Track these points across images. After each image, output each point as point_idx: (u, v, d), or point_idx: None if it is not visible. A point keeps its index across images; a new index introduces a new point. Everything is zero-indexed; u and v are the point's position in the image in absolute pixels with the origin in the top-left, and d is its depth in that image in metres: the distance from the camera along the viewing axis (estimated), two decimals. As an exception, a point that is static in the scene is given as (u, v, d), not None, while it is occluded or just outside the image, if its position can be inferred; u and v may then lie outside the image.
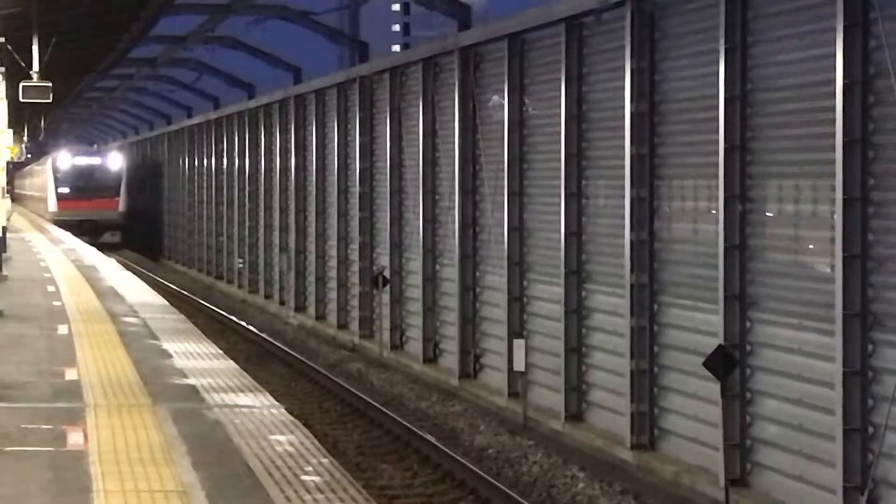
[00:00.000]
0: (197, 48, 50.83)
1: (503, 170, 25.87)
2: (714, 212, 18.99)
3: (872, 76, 16.07)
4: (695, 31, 19.85)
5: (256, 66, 48.30)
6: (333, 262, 38.52)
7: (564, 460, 20.74)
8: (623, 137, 21.12)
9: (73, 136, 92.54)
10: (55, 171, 73.81)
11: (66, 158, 74.77)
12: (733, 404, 18.25)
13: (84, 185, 73.02)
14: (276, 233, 45.67)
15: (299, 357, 31.88)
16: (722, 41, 18.55)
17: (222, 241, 55.69)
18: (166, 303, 29.14)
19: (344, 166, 37.61)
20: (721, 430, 18.21)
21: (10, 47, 31.26)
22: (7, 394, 15.90)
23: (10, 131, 40.26)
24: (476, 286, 27.93)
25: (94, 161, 75.30)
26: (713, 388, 18.25)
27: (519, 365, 24.03)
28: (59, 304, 27.02)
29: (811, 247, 17.57)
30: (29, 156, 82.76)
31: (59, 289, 30.50)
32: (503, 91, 25.94)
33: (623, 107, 21.13)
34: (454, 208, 28.42)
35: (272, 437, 13.27)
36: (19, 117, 54.37)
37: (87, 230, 68.57)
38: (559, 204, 23.33)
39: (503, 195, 25.87)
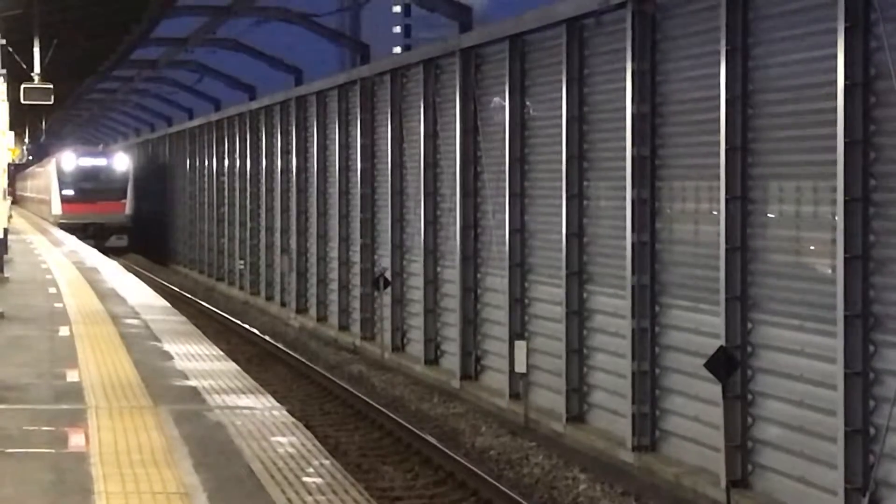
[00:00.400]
0: (198, 50, 50.84)
1: (504, 171, 25.87)
2: (715, 213, 18.99)
3: (873, 77, 16.07)
4: (696, 32, 19.85)
5: (257, 68, 48.29)
6: (335, 264, 38.52)
7: (566, 462, 20.74)
8: (624, 139, 21.12)
9: (74, 137, 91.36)
10: (59, 172, 71.13)
11: (70, 159, 72.06)
12: (734, 406, 18.24)
13: (90, 187, 70.29)
14: (278, 234, 45.68)
15: (300, 359, 31.88)
16: (723, 42, 18.54)
17: (223, 242, 55.70)
18: (168, 304, 29.14)
19: (345, 168, 37.62)
20: (722, 432, 18.20)
21: (11, 49, 31.27)
22: (8, 395, 15.90)
23: (12, 133, 40.27)
24: (477, 288, 27.93)
25: (100, 162, 72.50)
26: (714, 389, 18.25)
27: (520, 366, 24.03)
28: (60, 305, 27.02)
29: (812, 248, 17.57)
30: (30, 158, 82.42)
31: (61, 290, 30.50)
32: (504, 92, 25.94)
33: (624, 108, 21.14)
34: (455, 210, 28.42)
35: (273, 438, 13.27)
36: (20, 119, 54.39)
37: (93, 234, 66.48)
38: (560, 205, 23.33)
39: (504, 197, 25.88)
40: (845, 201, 16.13)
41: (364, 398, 25.91)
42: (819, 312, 16.92)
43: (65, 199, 70.71)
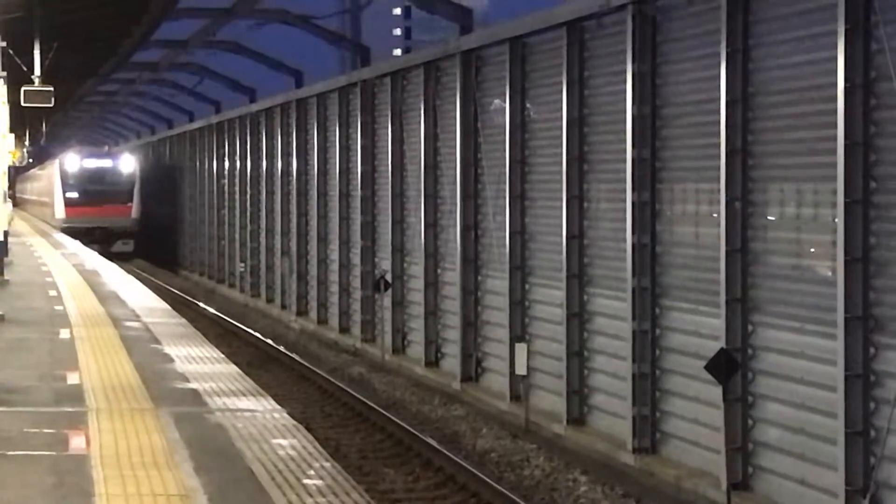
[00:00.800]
0: (198, 52, 50.86)
1: (505, 173, 25.88)
2: (715, 215, 19.00)
3: (874, 79, 16.08)
4: (696, 34, 19.85)
5: (258, 70, 48.33)
6: (335, 266, 38.53)
7: (566, 464, 20.73)
8: (624, 141, 21.13)
9: (75, 140, 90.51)
10: (63, 174, 68.72)
11: (74, 160, 69.48)
12: (735, 408, 18.24)
13: (94, 190, 67.84)
14: (278, 237, 45.69)
15: (301, 361, 31.87)
16: (723, 45, 18.55)
17: (224, 244, 55.69)
18: (168, 307, 29.14)
19: (345, 170, 37.63)
20: (723, 434, 18.20)
21: (11, 52, 31.28)
22: (9, 398, 15.90)
23: (12, 136, 40.27)
24: (477, 290, 27.93)
25: (106, 163, 69.91)
26: (715, 391, 18.24)
27: (521, 368, 24.03)
28: (60, 308, 27.02)
29: (813, 250, 17.57)
30: (31, 160, 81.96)
31: (61, 293, 30.50)
32: (504, 95, 25.95)
33: (624, 110, 21.15)
34: (455, 212, 28.43)
35: (274, 440, 13.27)
36: (21, 122, 54.38)
37: (98, 238, 64.38)
38: (561, 207, 23.33)
39: (505, 199, 25.88)
40: (846, 203, 16.14)
41: (365, 400, 25.90)
42: (819, 314, 16.92)
43: (69, 203, 68.46)
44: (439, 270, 30.24)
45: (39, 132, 70.35)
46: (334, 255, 38.70)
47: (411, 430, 22.82)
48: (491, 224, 27.02)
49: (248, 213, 50.57)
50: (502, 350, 25.88)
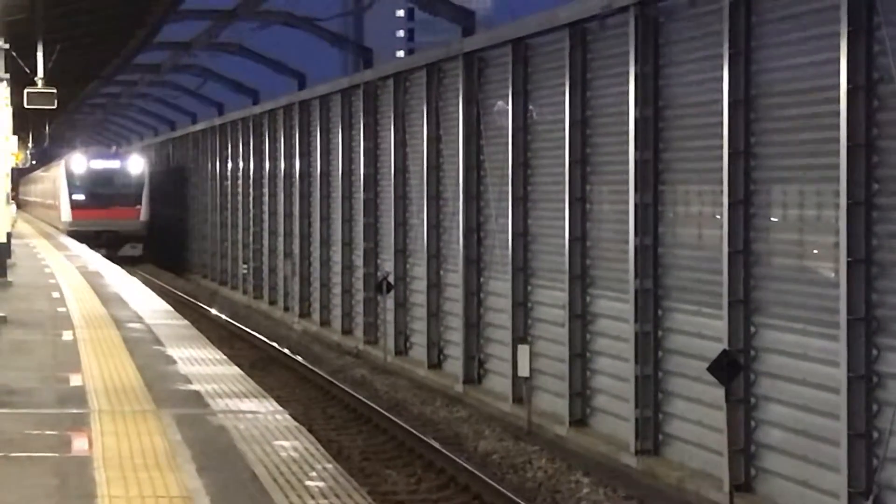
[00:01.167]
0: (201, 54, 50.88)
1: (507, 175, 25.88)
2: (718, 217, 18.99)
3: (876, 81, 16.08)
4: (699, 36, 19.85)
5: (261, 73, 48.35)
6: (338, 268, 38.54)
7: (569, 466, 20.72)
8: (627, 143, 21.13)
9: (78, 141, 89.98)
10: (69, 175, 66.21)
11: (81, 161, 66.88)
12: (738, 409, 18.23)
13: (102, 192, 65.32)
14: (281, 238, 45.70)
15: (303, 363, 31.88)
16: (726, 46, 18.55)
17: (226, 246, 55.70)
18: (171, 308, 29.14)
19: (348, 172, 37.64)
20: (725, 436, 18.18)
21: (14, 54, 31.30)
22: (12, 400, 15.91)
23: (15, 138, 40.29)
24: (480, 291, 27.94)
25: (113, 164, 67.32)
26: (717, 393, 18.24)
27: (523, 370, 24.02)
28: (63, 310, 27.02)
29: (815, 252, 17.57)
30: (34, 162, 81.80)
31: (64, 295, 30.51)
32: (507, 96, 25.96)
33: (627, 112, 21.14)
34: (458, 214, 28.44)
35: (276, 442, 13.27)
36: (24, 124, 54.39)
37: (106, 242, 62.06)
38: (563, 209, 23.34)
39: (507, 200, 25.88)
40: (848, 205, 16.14)
41: (367, 402, 25.90)
42: (822, 316, 16.91)
43: (75, 205, 65.87)
44: (442, 272, 30.24)
45: (42, 134, 70.20)
46: (337, 257, 38.71)
47: (413, 431, 22.81)
48: (493, 225, 27.02)
49: (251, 215, 50.58)
50: (505, 352, 25.87)
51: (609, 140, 22.38)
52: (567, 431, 22.84)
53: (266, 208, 48.18)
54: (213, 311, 44.49)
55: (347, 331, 37.44)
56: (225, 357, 20.53)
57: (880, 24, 15.92)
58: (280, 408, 15.64)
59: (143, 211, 65.88)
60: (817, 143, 17.16)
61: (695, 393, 19.63)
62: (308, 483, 11.44)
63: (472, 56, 28.01)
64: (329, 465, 12.24)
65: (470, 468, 19.97)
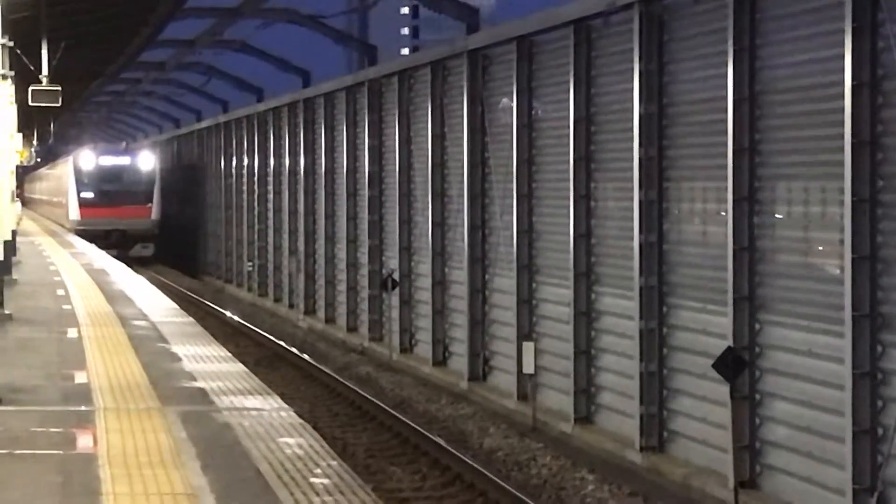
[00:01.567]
0: (206, 52, 50.89)
1: (512, 172, 25.88)
2: (723, 214, 18.99)
3: (881, 77, 16.07)
4: (703, 33, 19.84)
5: (265, 70, 48.36)
6: (343, 266, 38.55)
7: (574, 463, 20.73)
8: (631, 140, 21.13)
9: (83, 139, 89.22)
10: (77, 172, 63.93)
11: (89, 157, 64.60)
12: (742, 406, 18.23)
13: (112, 190, 63.11)
14: (286, 236, 45.71)
15: (308, 360, 31.89)
16: (730, 43, 18.54)
17: (231, 244, 55.70)
18: (176, 306, 29.15)
19: (353, 169, 37.64)
20: (730, 432, 18.19)
21: (19, 51, 31.30)
22: (17, 397, 15.92)
23: (20, 135, 40.31)
24: (485, 289, 27.94)
25: (123, 160, 65.09)
26: (722, 390, 18.24)
27: (528, 367, 24.03)
28: (68, 307, 27.04)
29: (820, 248, 17.56)
30: (38, 160, 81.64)
31: (69, 292, 30.53)
32: (512, 94, 25.95)
33: (631, 109, 21.14)
34: (463, 211, 28.44)
35: (281, 439, 13.27)
36: (29, 121, 54.40)
37: (115, 242, 60.02)
38: (568, 206, 23.33)
39: (512, 198, 25.88)
40: (853, 202, 16.13)
41: (372, 399, 25.91)
42: (827, 313, 16.91)
43: (83, 203, 63.57)
44: (447, 269, 30.24)
45: (47, 132, 70.11)
46: (342, 255, 38.72)
47: (419, 429, 22.83)
48: (498, 223, 27.02)
49: (256, 213, 50.60)
50: (510, 349, 25.87)
51: (613, 137, 22.38)
52: (572, 428, 22.85)
53: (271, 206, 48.19)
54: (227, 313, 44.47)
55: (352, 328, 37.46)
56: (230, 354, 20.54)
57: (885, 20, 15.90)
58: (285, 405, 15.64)
59: (155, 209, 63.82)
60: (822, 140, 17.15)
61: (700, 390, 19.63)
62: (313, 480, 11.44)
63: (477, 53, 28.01)
64: (334, 463, 12.24)
65: (475, 465, 19.98)
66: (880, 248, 16.08)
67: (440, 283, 30.40)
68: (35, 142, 67.25)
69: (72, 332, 22.69)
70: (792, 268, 17.88)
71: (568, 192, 23.35)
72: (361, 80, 36.44)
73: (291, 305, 44.56)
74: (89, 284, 33.17)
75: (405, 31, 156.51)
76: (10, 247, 34.15)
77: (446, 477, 20.13)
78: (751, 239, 18.44)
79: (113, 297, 29.83)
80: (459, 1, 30.76)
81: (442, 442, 21.85)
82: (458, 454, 20.71)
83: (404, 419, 23.73)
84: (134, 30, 37.88)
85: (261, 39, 46.81)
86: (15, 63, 31.39)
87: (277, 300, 46.82)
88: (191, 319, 26.04)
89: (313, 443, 13.19)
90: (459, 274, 29.02)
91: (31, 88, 31.63)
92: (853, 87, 16.15)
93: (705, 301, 19.64)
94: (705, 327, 19.61)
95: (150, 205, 63.59)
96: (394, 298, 32.93)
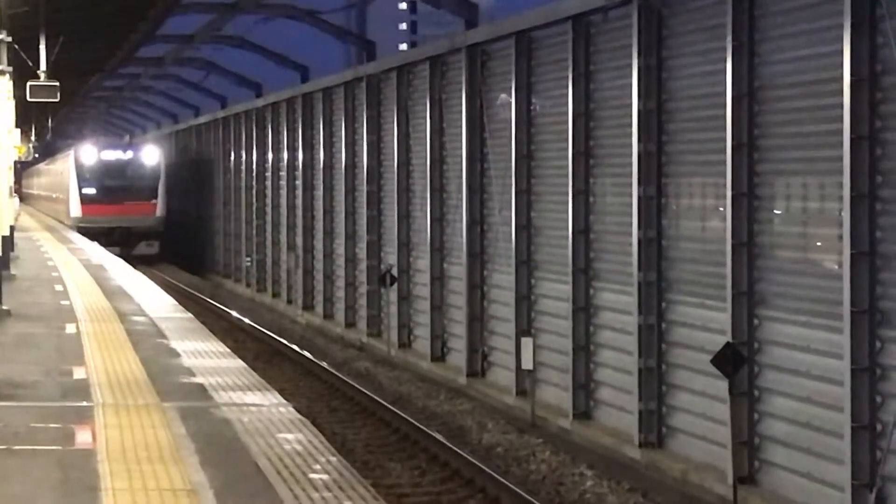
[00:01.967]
0: (204, 47, 50.89)
1: (511, 168, 25.87)
2: (722, 209, 18.99)
3: (880, 73, 16.06)
4: (702, 28, 19.84)
5: (264, 66, 48.35)
6: (341, 261, 38.55)
7: (573, 458, 20.73)
8: (630, 135, 21.12)
9: (82, 134, 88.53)
10: (79, 166, 61.75)
11: (91, 152, 62.45)
12: (741, 402, 18.23)
13: (115, 185, 61.10)
14: (284, 231, 45.70)
15: (307, 355, 31.88)
16: (729, 38, 18.54)
17: (229, 239, 55.67)
18: (174, 302, 29.13)
19: (351, 165, 37.63)
20: (729, 428, 18.19)
21: (17, 47, 31.30)
22: (16, 393, 15.91)
23: (18, 131, 40.31)
24: (484, 284, 27.94)
25: (127, 155, 62.83)
26: (721, 385, 18.24)
27: (527, 363, 24.03)
28: (66, 303, 27.02)
29: (819, 244, 17.56)
30: (36, 156, 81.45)
31: (67, 288, 30.51)
32: (510, 89, 25.94)
33: (630, 104, 21.13)
34: (462, 206, 28.43)
35: (280, 435, 13.27)
36: (27, 117, 54.36)
37: (119, 239, 58.48)
38: (567, 202, 23.33)
39: (511, 193, 25.87)
40: (852, 197, 16.13)
41: (371, 395, 25.91)
42: (826, 308, 16.91)
43: (85, 199, 61.38)
44: (445, 265, 30.24)
45: (45, 127, 70.01)
46: (340, 250, 38.71)
47: (417, 424, 22.83)
48: (497, 218, 27.01)
49: (254, 208, 50.58)
50: (508, 344, 25.87)
51: (612, 133, 22.37)
52: (571, 424, 22.84)
53: (269, 201, 48.17)
54: (224, 308, 44.44)
55: (351, 323, 37.45)
56: (229, 350, 20.53)
57: (884, 15, 15.89)
58: (284, 401, 15.63)
59: (160, 206, 61.73)
60: (821, 136, 17.14)
61: (698, 385, 19.63)
62: (312, 476, 11.43)
63: (476, 49, 27.99)
64: (333, 458, 12.23)
65: (474, 461, 19.98)
66: (879, 244, 16.08)
67: (439, 279, 30.40)
68: (33, 137, 67.02)
69: (70, 328, 22.67)
70: (791, 263, 17.87)
71: (567, 187, 23.34)
72: (360, 76, 36.42)
73: (290, 301, 44.55)
74: (87, 280, 33.16)
75: (403, 26, 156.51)
76: (9, 242, 34.18)
77: (445, 472, 20.13)
78: (750, 234, 18.44)
79: (111, 292, 29.81)
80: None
81: (441, 438, 21.85)
82: (457, 450, 20.71)
83: (403, 415, 23.73)
84: (132, 25, 37.86)
85: (259, 35, 46.85)
86: (13, 58, 31.39)
87: (276, 295, 46.81)
88: (189, 315, 26.02)
89: (312, 438, 13.18)
90: (458, 269, 29.02)
91: (29, 84, 31.64)
92: (852, 82, 16.14)
93: (704, 297, 19.64)
94: (704, 323, 19.60)
95: (154, 201, 61.50)
96: (392, 294, 32.92)
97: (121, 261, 42.50)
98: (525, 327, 25.24)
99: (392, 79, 33.60)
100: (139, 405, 14.97)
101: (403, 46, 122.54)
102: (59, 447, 12.66)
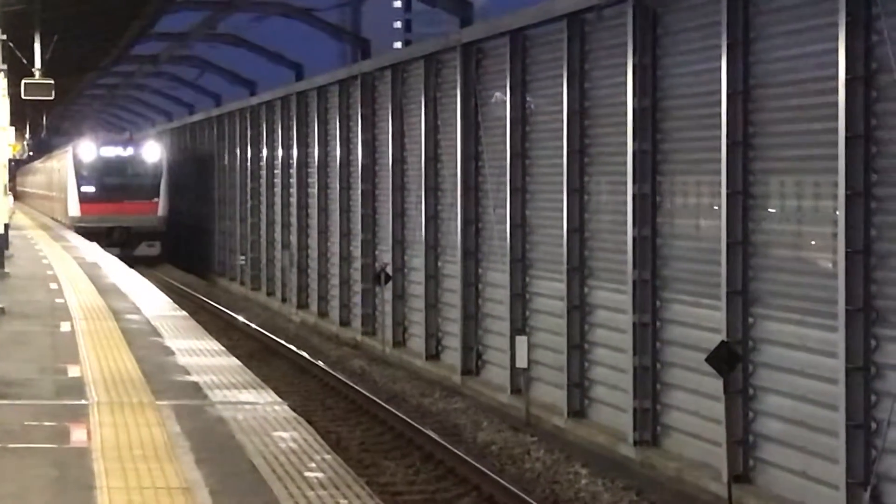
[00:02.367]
0: (199, 45, 50.86)
1: (505, 166, 25.87)
2: (716, 208, 18.99)
3: (874, 71, 16.07)
4: (697, 26, 19.84)
5: (258, 63, 48.32)
6: (336, 259, 38.53)
7: (567, 457, 20.73)
8: (625, 133, 21.12)
9: (76, 132, 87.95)
10: (77, 164, 59.88)
11: (90, 148, 60.57)
12: (736, 400, 18.23)
13: (115, 183, 59.28)
14: (278, 230, 45.68)
15: (302, 354, 31.87)
16: (724, 37, 18.54)
17: (224, 238, 55.63)
18: (169, 300, 29.13)
19: (346, 163, 37.62)
20: (724, 427, 18.19)
21: (12, 44, 31.28)
22: (10, 391, 15.90)
23: (13, 128, 40.28)
24: (478, 283, 27.93)
25: (127, 152, 60.96)
26: (716, 384, 18.23)
27: (521, 361, 24.03)
28: (61, 301, 27.00)
29: (814, 242, 17.57)
30: (31, 154, 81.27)
31: (62, 286, 30.49)
32: (505, 87, 25.93)
33: (625, 103, 21.13)
34: (456, 205, 28.42)
35: (275, 433, 13.26)
36: (21, 115, 54.27)
37: (118, 240, 57.05)
38: (561, 200, 23.33)
39: (505, 192, 25.87)
40: (846, 196, 16.13)
41: (365, 393, 25.91)
42: (820, 307, 16.91)
43: (84, 198, 59.42)
44: (440, 263, 30.23)
45: (40, 125, 69.88)
46: (335, 248, 38.70)
47: (412, 422, 22.82)
48: (492, 217, 27.01)
49: (249, 206, 50.55)
50: (503, 343, 25.87)
51: (607, 131, 22.37)
52: (565, 422, 22.85)
53: (264, 199, 48.14)
54: (211, 302, 44.42)
55: (345, 322, 37.44)
56: (223, 348, 20.52)
57: (879, 14, 15.90)
58: (279, 399, 15.63)
59: (161, 205, 59.90)
60: (816, 134, 17.15)
61: (693, 384, 19.63)
62: (307, 474, 11.43)
63: (470, 47, 27.99)
64: (328, 457, 12.23)
65: (468, 459, 19.98)
66: (874, 242, 16.08)
67: (433, 277, 30.39)
68: (28, 135, 66.83)
69: (65, 326, 22.66)
70: (786, 262, 17.88)
71: (561, 185, 23.34)
72: (355, 74, 36.41)
73: (284, 299, 44.54)
74: (82, 278, 33.13)
75: (398, 24, 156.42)
76: (3, 240, 34.16)
77: (440, 471, 20.13)
78: (744, 233, 18.44)
79: (105, 290, 29.79)
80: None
81: (435, 436, 21.85)
82: (452, 448, 20.71)
83: (398, 413, 23.73)
84: (127, 23, 37.83)
85: (254, 33, 46.84)
86: (7, 56, 31.37)
87: (270, 294, 46.79)
88: (184, 313, 26.01)
89: (307, 436, 13.18)
90: (453, 268, 29.01)
91: (23, 82, 31.60)
92: (847, 80, 16.15)
93: (699, 295, 19.65)
94: (699, 321, 19.61)
95: (156, 200, 59.71)
96: (387, 292, 32.91)
97: (114, 259, 42.44)
98: (519, 325, 25.24)
99: (387, 77, 33.59)
100: (134, 403, 14.96)
101: (398, 44, 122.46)
102: (54, 445, 12.65)
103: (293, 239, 43.56)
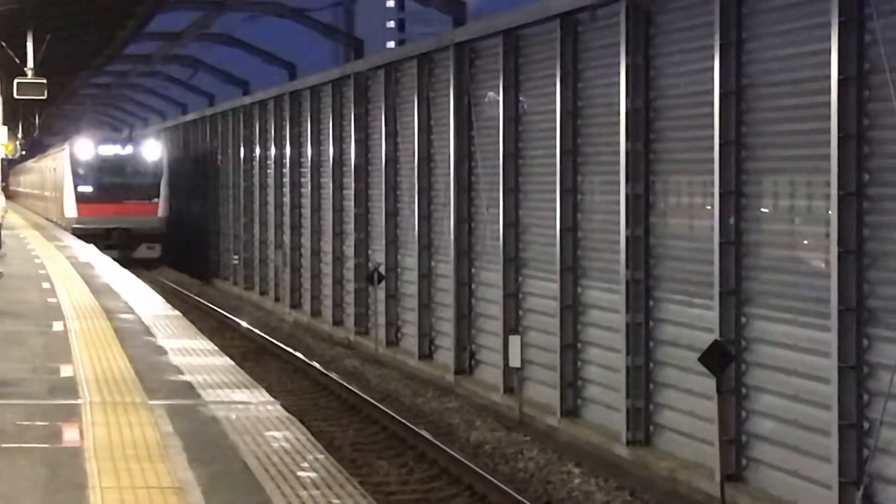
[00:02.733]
0: (192, 45, 50.80)
1: (498, 166, 25.87)
2: (709, 207, 19.00)
3: (867, 72, 16.08)
4: (690, 26, 19.85)
5: (251, 63, 48.30)
6: (329, 259, 38.53)
7: (560, 456, 20.74)
8: (618, 133, 21.14)
9: (69, 132, 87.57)
10: (74, 163, 57.92)
11: (88, 146, 58.47)
12: (729, 400, 18.25)
13: (113, 183, 57.27)
14: (271, 229, 45.66)
15: (295, 353, 31.85)
16: (717, 37, 18.56)
17: (216, 238, 55.58)
18: (162, 299, 29.09)
19: (339, 162, 37.61)
20: (717, 426, 18.20)
21: (4, 44, 31.24)
22: (2, 391, 15.86)
23: (5, 128, 40.24)
24: (471, 282, 27.94)
25: (126, 150, 58.93)
26: (709, 383, 18.24)
27: (514, 361, 24.04)
28: (54, 300, 26.96)
29: (806, 242, 17.58)
30: (23, 153, 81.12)
31: (54, 285, 30.44)
32: (498, 87, 25.94)
33: (618, 103, 21.14)
34: (449, 204, 28.43)
35: (268, 433, 13.25)
36: (14, 114, 54.17)
37: (117, 242, 54.90)
38: (554, 200, 23.34)
39: (498, 191, 25.88)
40: (839, 195, 16.15)
41: (358, 393, 25.90)
42: (813, 306, 16.93)
43: (81, 198, 57.36)
44: (433, 263, 30.24)
45: (32, 124, 69.76)
46: (328, 248, 38.69)
47: (405, 422, 22.82)
48: (485, 216, 27.01)
49: (242, 206, 50.52)
50: (496, 342, 25.88)
51: (600, 131, 22.38)
52: (558, 422, 22.86)
53: (257, 199, 48.12)
54: (204, 302, 44.39)
55: (338, 322, 37.43)
56: (216, 348, 20.50)
57: (871, 14, 15.91)
58: (271, 399, 15.61)
59: (161, 206, 57.85)
60: (808, 134, 17.17)
61: (686, 383, 19.65)
62: (300, 474, 11.42)
63: (463, 46, 27.99)
64: (321, 456, 12.22)
65: (461, 459, 19.98)
66: (866, 242, 16.11)
67: (426, 277, 30.40)
68: (20, 135, 66.69)
69: (57, 326, 22.63)
70: (778, 261, 17.90)
71: (554, 185, 23.35)
72: (348, 74, 36.41)
73: (277, 299, 44.52)
74: (74, 277, 33.09)
75: (391, 24, 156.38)
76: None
77: (433, 470, 20.13)
78: (737, 233, 18.46)
79: (98, 290, 29.75)
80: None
81: (428, 435, 21.84)
82: (445, 448, 20.71)
83: (391, 413, 23.72)
84: (120, 22, 37.76)
85: (247, 32, 46.81)
86: (0, 56, 31.33)
87: (263, 293, 46.77)
88: (177, 312, 25.98)
89: (300, 436, 13.17)
90: (446, 267, 29.02)
91: (16, 81, 31.56)
92: (840, 80, 16.17)
93: (692, 295, 19.66)
94: (691, 321, 19.62)
95: (156, 200, 57.61)
96: (380, 292, 32.91)
97: (107, 258, 42.38)
98: (513, 325, 25.25)
99: (380, 77, 33.59)
100: (127, 403, 14.94)
101: (391, 44, 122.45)
102: (47, 445, 12.63)
103: (286, 238, 43.54)
